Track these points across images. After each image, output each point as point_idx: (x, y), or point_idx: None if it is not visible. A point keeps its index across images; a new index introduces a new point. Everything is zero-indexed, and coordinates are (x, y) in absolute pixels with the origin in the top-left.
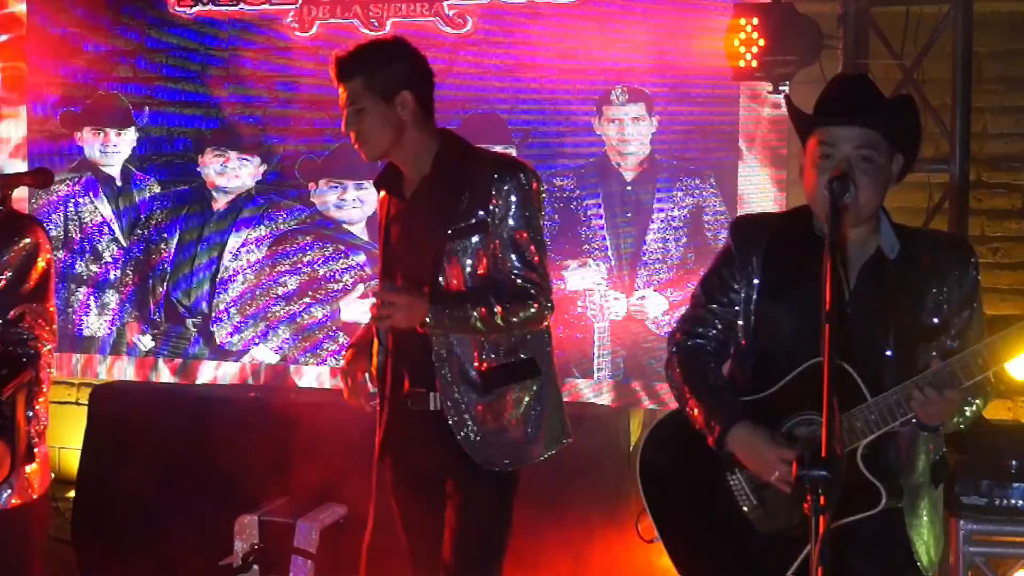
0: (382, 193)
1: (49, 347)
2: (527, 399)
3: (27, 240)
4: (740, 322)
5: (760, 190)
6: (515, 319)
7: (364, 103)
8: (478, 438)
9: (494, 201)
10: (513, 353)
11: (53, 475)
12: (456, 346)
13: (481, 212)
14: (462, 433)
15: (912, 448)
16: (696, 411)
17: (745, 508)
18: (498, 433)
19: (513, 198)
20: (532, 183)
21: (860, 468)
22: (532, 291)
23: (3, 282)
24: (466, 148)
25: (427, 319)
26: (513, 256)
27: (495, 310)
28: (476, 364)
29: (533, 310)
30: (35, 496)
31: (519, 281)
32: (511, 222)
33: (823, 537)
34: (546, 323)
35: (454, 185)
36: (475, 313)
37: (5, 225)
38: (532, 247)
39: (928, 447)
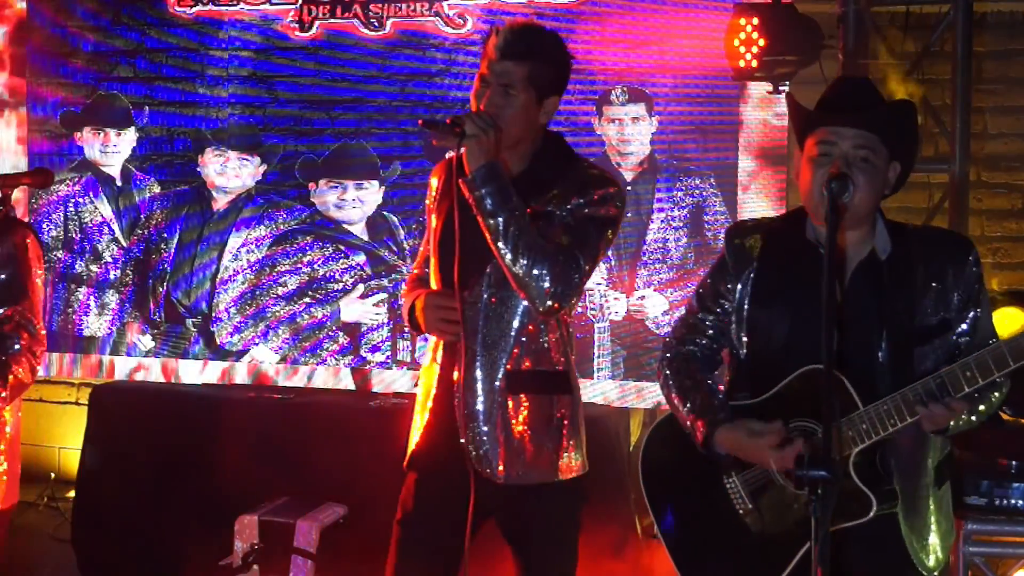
0: (435, 181)
1: (20, 347)
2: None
3: (14, 241)
4: (734, 329)
5: (760, 190)
6: (527, 257)
7: (519, 91)
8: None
9: (571, 201)
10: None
11: (53, 475)
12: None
13: (551, 207)
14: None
15: (916, 451)
16: (685, 417)
17: (740, 511)
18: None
19: (581, 200)
20: (614, 203)
21: (852, 476)
22: (563, 264)
23: None
24: (566, 153)
25: (491, 161)
26: (558, 234)
27: (523, 229)
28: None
29: (544, 271)
30: None
31: (556, 250)
32: (571, 216)
33: (823, 538)
34: (545, 305)
35: (542, 184)
36: (516, 211)
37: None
38: (581, 239)
39: (934, 449)
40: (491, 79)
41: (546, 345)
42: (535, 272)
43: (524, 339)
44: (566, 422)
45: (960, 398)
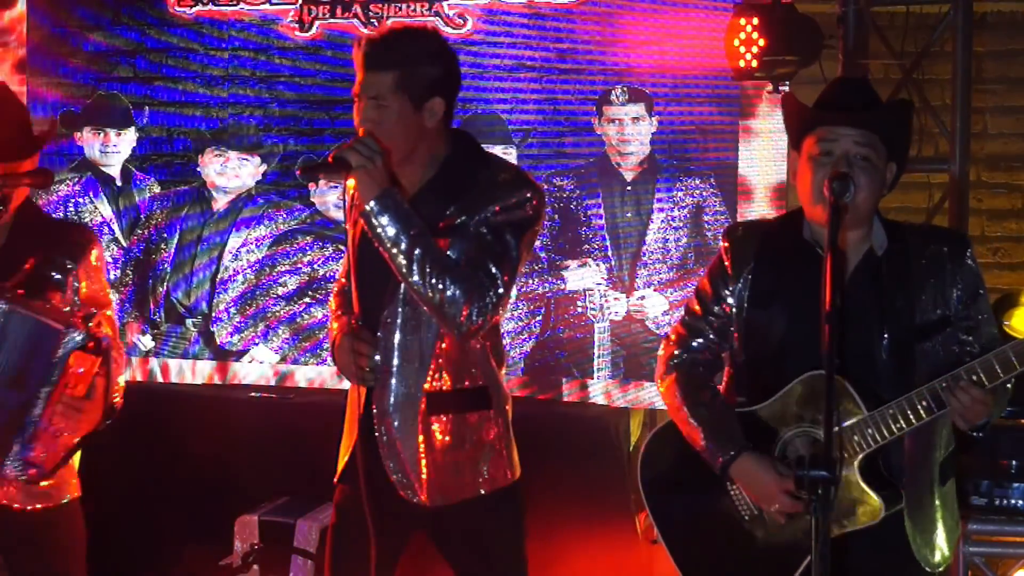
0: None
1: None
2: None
3: (96, 250)
4: (733, 330)
5: (760, 190)
6: (436, 281)
7: (390, 102)
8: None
9: (484, 209)
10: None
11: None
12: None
13: (464, 218)
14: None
15: (921, 451)
16: (696, 435)
17: (746, 517)
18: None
19: (496, 206)
20: (530, 204)
21: (859, 481)
22: (477, 283)
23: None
24: (477, 155)
25: (383, 189)
26: (472, 248)
27: (429, 254)
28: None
29: (457, 294)
30: (57, 503)
31: (469, 267)
32: (484, 226)
33: (823, 539)
34: (461, 329)
35: (452, 191)
36: (419, 236)
37: (70, 233)
38: (497, 251)
39: (939, 447)
40: (362, 93)
41: (466, 360)
42: (447, 295)
43: (442, 357)
44: (489, 438)
45: (987, 390)
